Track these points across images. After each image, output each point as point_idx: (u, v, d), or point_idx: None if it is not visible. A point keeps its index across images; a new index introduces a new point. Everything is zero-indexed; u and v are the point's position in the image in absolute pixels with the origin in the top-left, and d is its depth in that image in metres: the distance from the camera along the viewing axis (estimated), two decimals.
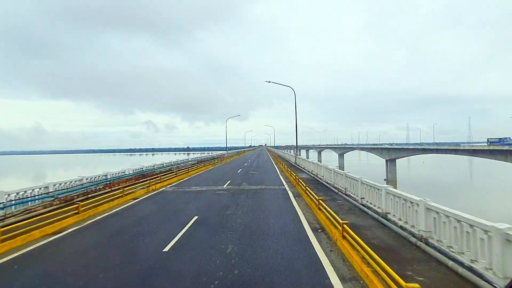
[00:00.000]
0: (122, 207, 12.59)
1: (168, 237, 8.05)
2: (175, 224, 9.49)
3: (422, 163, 78.73)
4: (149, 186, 16.92)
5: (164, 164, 29.31)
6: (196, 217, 10.20)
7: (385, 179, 59.59)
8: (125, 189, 14.82)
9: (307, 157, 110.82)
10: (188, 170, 26.74)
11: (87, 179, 16.56)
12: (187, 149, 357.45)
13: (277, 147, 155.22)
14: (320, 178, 18.34)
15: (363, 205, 10.47)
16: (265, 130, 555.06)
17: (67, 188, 14.41)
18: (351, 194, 12.25)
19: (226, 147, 69.16)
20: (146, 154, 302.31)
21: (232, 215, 10.63)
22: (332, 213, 8.29)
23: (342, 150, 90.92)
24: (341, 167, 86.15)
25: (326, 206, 9.16)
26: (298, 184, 16.20)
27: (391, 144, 78.95)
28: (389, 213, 8.50)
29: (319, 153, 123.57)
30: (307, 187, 13.18)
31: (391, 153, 58.62)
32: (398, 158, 58.61)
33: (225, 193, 15.60)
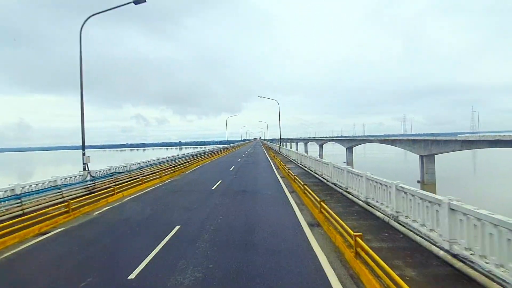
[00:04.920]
0: None
1: None
2: None
3: None
4: None
5: None
6: None
7: (418, 181, 41.25)
8: None
9: (306, 151, 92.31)
10: None
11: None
12: (179, 144, 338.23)
13: (271, 141, 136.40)
14: None
15: None
16: (259, 122, 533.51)
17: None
18: None
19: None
20: (137, 150, 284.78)
21: None
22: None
23: (351, 142, 72.22)
24: (350, 163, 67.73)
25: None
26: None
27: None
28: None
29: (321, 147, 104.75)
30: None
31: (432, 146, 39.86)
32: (441, 153, 39.93)
33: None
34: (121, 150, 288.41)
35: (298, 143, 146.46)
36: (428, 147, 40.46)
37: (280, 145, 55.65)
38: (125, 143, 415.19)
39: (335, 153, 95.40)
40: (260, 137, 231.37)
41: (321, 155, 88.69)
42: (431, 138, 41.54)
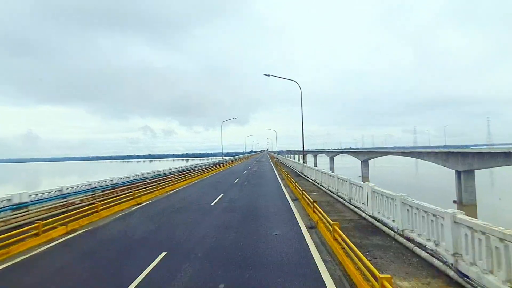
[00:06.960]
0: None
1: None
2: None
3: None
4: None
5: None
6: None
7: (454, 201, 33.91)
8: None
9: (315, 164, 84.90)
10: None
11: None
12: (186, 155, 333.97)
13: (279, 153, 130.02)
14: None
15: None
16: (266, 134, 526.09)
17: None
18: None
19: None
20: (144, 161, 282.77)
21: None
22: None
23: (367, 155, 64.84)
24: (365, 178, 60.34)
25: None
26: None
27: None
28: None
29: (332, 159, 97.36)
30: None
31: (473, 160, 32.65)
32: (484, 168, 32.73)
33: None
34: (127, 162, 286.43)
35: (307, 155, 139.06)
36: (467, 161, 33.20)
37: (304, 160, 31.07)
38: (132, 154, 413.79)
39: (347, 165, 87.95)
40: (267, 149, 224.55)
41: (331, 168, 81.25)
42: (471, 150, 34.35)
